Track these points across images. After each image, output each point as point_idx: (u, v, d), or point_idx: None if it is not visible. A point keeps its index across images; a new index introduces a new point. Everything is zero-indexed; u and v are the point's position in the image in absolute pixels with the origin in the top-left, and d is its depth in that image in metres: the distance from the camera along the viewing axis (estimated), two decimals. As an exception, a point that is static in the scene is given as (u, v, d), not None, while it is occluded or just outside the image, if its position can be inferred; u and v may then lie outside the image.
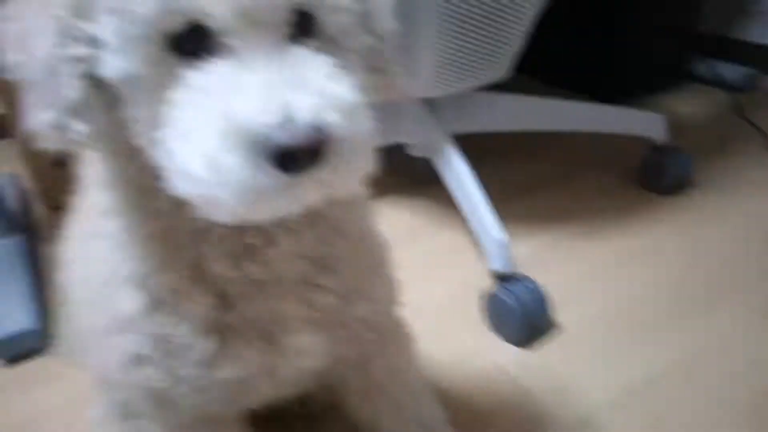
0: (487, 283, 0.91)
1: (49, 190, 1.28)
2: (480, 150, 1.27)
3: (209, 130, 0.32)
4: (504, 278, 0.88)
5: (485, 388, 0.82)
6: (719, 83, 1.50)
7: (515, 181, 1.29)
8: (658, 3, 1.49)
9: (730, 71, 1.57)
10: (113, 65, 0.34)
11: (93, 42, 0.35)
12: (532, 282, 0.87)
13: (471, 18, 0.92)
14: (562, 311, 0.92)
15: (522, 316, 0.85)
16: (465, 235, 1.12)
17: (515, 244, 1.08)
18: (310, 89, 0.32)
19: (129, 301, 0.45)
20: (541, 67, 1.70)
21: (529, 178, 1.30)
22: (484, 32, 0.94)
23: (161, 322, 0.45)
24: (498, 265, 0.89)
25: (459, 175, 0.98)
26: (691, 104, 1.55)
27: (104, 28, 0.34)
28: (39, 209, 1.36)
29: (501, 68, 1.03)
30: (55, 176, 1.27)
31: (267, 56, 0.34)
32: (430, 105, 1.10)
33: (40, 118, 0.35)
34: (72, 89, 0.35)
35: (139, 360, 0.47)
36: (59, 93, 0.35)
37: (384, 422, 0.66)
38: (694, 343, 0.86)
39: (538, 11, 1.00)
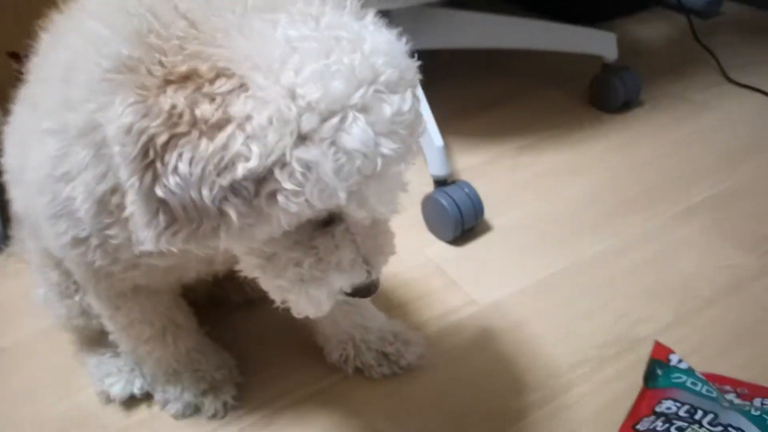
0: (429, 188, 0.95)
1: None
2: (437, 67, 1.29)
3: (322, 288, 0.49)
4: (443, 182, 0.93)
5: (416, 277, 0.88)
6: (683, 8, 1.51)
7: (470, 97, 1.32)
8: None
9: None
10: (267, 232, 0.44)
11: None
12: (469, 186, 0.91)
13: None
14: (494, 215, 0.97)
15: (455, 215, 0.89)
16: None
17: (464, 157, 1.13)
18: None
19: (80, 200, 0.49)
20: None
21: (483, 94, 1.33)
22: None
23: (105, 222, 0.50)
24: (437, 170, 0.93)
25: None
26: (651, 28, 1.57)
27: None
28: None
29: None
30: (8, 68, 1.27)
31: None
32: (387, 18, 1.10)
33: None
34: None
35: (79, 242, 0.52)
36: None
37: None
38: (604, 246, 0.92)
39: None
